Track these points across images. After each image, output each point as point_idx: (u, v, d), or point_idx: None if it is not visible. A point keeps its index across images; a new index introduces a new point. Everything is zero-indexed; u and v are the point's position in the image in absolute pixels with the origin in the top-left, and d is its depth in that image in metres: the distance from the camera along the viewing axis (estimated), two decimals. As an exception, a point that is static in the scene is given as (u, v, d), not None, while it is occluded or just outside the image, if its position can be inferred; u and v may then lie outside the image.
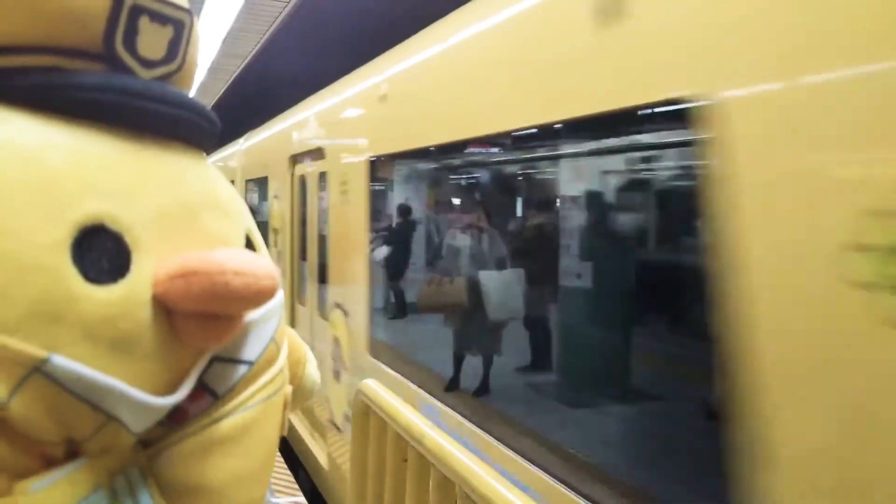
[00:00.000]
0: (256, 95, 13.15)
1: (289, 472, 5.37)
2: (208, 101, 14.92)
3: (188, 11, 0.92)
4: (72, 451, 0.76)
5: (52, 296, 0.70)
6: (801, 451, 1.25)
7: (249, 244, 0.99)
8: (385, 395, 3.14)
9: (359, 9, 8.61)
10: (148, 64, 0.88)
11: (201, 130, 0.95)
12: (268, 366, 0.95)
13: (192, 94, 1.01)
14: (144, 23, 0.86)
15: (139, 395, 0.76)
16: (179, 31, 0.91)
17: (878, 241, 1.09)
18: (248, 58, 10.76)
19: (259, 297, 0.79)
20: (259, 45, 9.96)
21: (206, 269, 0.76)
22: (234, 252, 0.82)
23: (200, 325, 0.80)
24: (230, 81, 12.89)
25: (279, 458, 5.59)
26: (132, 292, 0.76)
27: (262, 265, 0.80)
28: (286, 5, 8.11)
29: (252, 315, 0.89)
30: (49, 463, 0.74)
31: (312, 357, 1.33)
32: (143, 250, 0.78)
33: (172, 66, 0.92)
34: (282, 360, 1.00)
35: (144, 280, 0.77)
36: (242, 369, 0.90)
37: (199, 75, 11.75)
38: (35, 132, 0.78)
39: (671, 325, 2.59)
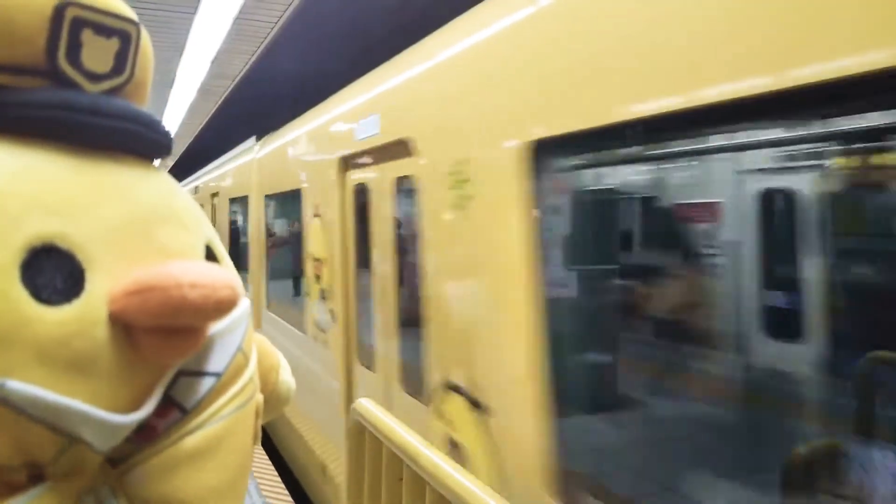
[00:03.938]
0: (247, 115, 13.18)
1: (277, 476, 5.32)
2: (199, 122, 14.94)
3: (134, 23, 0.91)
4: (36, 476, 0.74)
5: (2, 320, 0.69)
6: None
7: (211, 255, 0.97)
8: (380, 413, 3.11)
9: (347, 27, 8.66)
10: (94, 77, 0.87)
11: (151, 142, 0.94)
12: (236, 376, 0.94)
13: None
14: (88, 36, 0.85)
15: (101, 414, 0.74)
16: (126, 42, 0.90)
17: None
18: (238, 78, 10.78)
19: (218, 308, 0.77)
20: (248, 66, 9.98)
21: (162, 283, 0.74)
22: (190, 264, 0.81)
23: (161, 339, 0.78)
24: (220, 102, 12.91)
25: (267, 463, 5.55)
26: (87, 311, 0.74)
27: (220, 276, 0.78)
28: (274, 25, 8.14)
29: (216, 326, 0.88)
30: (12, 489, 0.72)
31: (286, 363, 1.32)
32: (96, 268, 0.77)
33: (121, 79, 0.90)
34: (251, 369, 0.99)
35: (99, 298, 0.76)
36: (210, 381, 0.89)
37: (189, 96, 11.79)
38: None
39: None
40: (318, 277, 4.76)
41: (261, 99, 12.22)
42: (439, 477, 2.41)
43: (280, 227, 6.94)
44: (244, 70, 10.24)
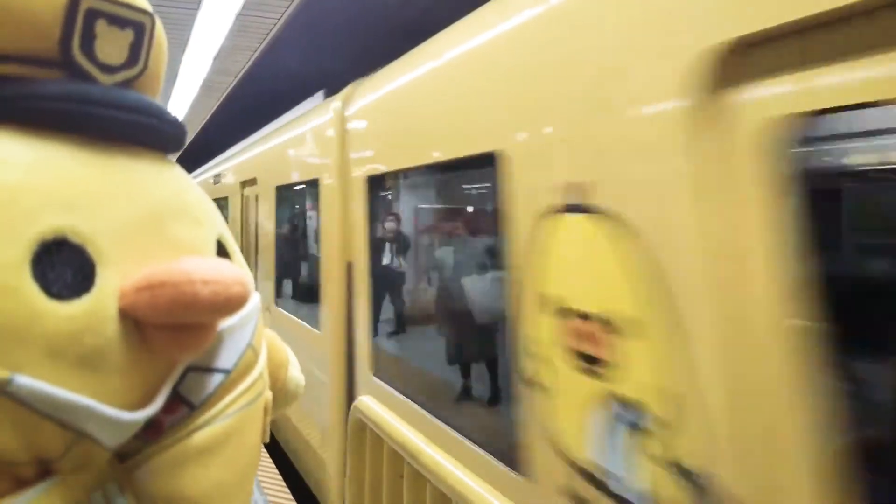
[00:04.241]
0: (250, 111, 13.19)
1: (278, 473, 5.33)
2: (202, 117, 14.93)
3: (149, 14, 0.91)
4: (45, 471, 0.74)
5: (12, 315, 0.68)
6: None
7: (223, 251, 0.97)
8: (380, 411, 3.11)
9: (349, 24, 8.65)
10: (108, 69, 0.87)
11: (164, 135, 0.93)
12: (246, 373, 0.94)
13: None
14: (102, 27, 0.84)
15: (110, 411, 0.74)
16: (140, 34, 0.89)
17: None
18: (241, 74, 10.78)
19: (229, 305, 0.77)
20: (251, 62, 9.98)
21: (173, 279, 0.74)
22: (202, 260, 0.80)
23: (171, 336, 0.78)
24: (222, 98, 12.92)
25: (268, 460, 5.55)
26: (98, 306, 0.74)
27: (231, 272, 0.78)
28: (276, 21, 8.14)
29: (226, 322, 0.88)
30: (21, 484, 0.72)
31: (295, 359, 1.31)
32: (108, 262, 0.77)
33: (134, 71, 0.90)
34: (260, 366, 0.98)
35: (110, 293, 0.76)
36: (219, 378, 0.88)
37: (192, 92, 11.78)
38: None
39: None
40: (589, 362, 1.72)
41: (263, 95, 12.22)
42: (440, 474, 2.42)
43: (414, 233, 4.05)
44: (247, 66, 10.24)
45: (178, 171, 0.98)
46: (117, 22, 0.86)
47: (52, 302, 0.71)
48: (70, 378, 0.71)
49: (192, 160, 19.30)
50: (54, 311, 0.71)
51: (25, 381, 0.68)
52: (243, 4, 7.26)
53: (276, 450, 6.00)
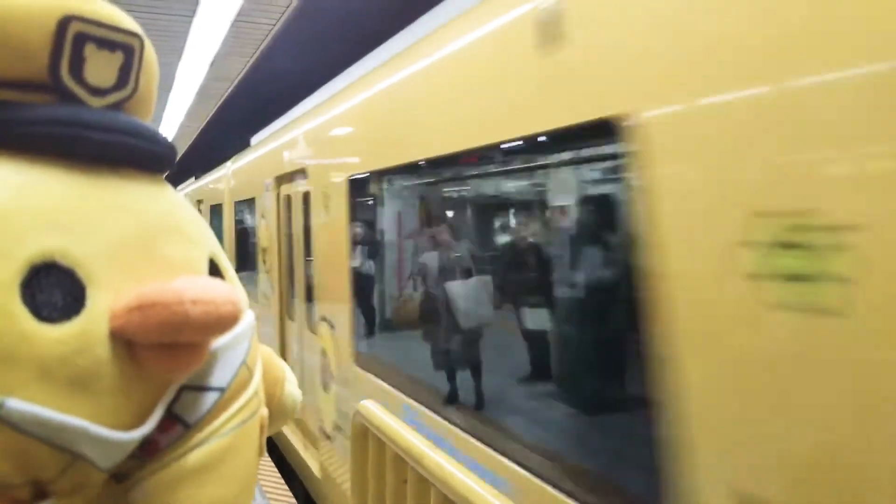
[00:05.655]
0: (246, 116, 13.19)
1: (280, 478, 5.32)
2: (197, 125, 14.91)
3: (138, 36, 0.90)
4: (41, 492, 0.74)
5: (2, 339, 0.68)
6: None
7: (215, 269, 0.97)
8: (383, 415, 3.11)
9: (344, 28, 8.66)
10: (98, 92, 0.86)
11: (155, 156, 0.93)
12: (241, 390, 0.93)
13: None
14: (91, 50, 0.84)
15: (103, 431, 0.73)
16: (130, 56, 0.89)
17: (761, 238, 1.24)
18: (237, 80, 10.78)
19: (220, 324, 0.77)
20: (247, 67, 9.99)
21: (163, 299, 0.73)
22: (192, 280, 0.80)
23: (163, 356, 0.77)
24: (218, 104, 12.92)
25: (272, 468, 5.54)
26: (88, 328, 0.74)
27: (222, 292, 0.78)
28: (272, 27, 8.14)
29: (219, 341, 0.87)
30: None
31: (292, 375, 1.31)
32: (98, 284, 0.76)
33: (125, 93, 0.90)
34: (255, 383, 0.98)
35: (100, 315, 0.75)
36: (213, 396, 0.88)
37: (187, 99, 11.78)
38: None
39: None
40: None
41: (259, 100, 12.23)
42: (444, 478, 2.42)
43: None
44: (243, 72, 10.24)
45: (170, 190, 0.98)
46: (106, 45, 0.86)
47: (41, 325, 0.71)
48: (62, 400, 0.71)
49: (189, 165, 19.28)
50: (44, 334, 0.71)
51: (17, 404, 0.68)
52: (238, 11, 7.27)
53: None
